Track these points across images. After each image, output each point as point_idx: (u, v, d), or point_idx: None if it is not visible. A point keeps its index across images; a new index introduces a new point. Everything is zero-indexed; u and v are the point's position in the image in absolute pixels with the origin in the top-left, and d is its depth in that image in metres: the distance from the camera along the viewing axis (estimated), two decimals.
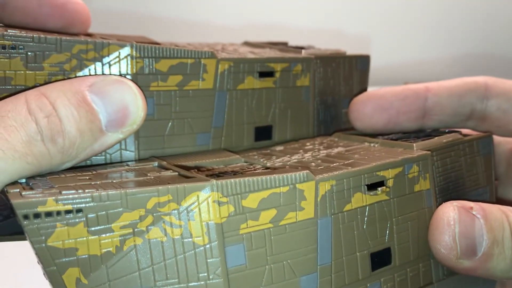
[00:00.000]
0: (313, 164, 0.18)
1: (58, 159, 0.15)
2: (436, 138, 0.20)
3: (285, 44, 0.28)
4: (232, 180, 0.14)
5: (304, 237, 0.16)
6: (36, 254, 0.13)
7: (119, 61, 0.17)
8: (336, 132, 0.24)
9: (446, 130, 0.23)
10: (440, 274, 0.19)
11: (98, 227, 0.13)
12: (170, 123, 0.19)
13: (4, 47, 0.14)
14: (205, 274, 0.14)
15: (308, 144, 0.22)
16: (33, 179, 0.15)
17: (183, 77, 0.18)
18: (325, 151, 0.20)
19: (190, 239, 0.14)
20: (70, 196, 0.13)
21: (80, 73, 0.17)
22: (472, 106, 0.22)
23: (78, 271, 0.13)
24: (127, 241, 0.13)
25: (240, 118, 0.20)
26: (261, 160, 0.19)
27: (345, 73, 0.25)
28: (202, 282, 0.14)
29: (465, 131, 0.23)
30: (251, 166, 0.18)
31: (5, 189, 0.14)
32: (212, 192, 0.14)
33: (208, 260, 0.14)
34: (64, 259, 0.13)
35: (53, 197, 0.13)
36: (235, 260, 0.14)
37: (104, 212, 0.13)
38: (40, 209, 0.12)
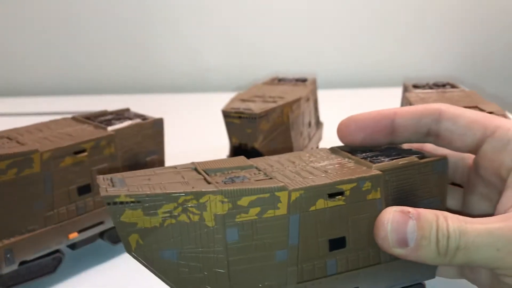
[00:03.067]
0: (295, 175, 0.24)
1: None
2: (395, 160, 0.26)
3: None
4: (233, 188, 0.22)
5: (278, 226, 0.22)
6: (115, 225, 0.21)
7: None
8: (334, 146, 0.29)
9: (412, 150, 0.28)
10: (387, 257, 0.25)
11: (149, 211, 0.21)
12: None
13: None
14: (212, 243, 0.22)
15: (306, 155, 0.28)
16: (114, 178, 0.22)
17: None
18: (312, 165, 0.26)
19: (204, 222, 0.21)
20: (134, 193, 0.20)
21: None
22: (428, 126, 0.27)
23: (138, 236, 0.21)
24: (166, 220, 0.21)
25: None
26: (264, 168, 0.25)
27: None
28: (210, 249, 0.22)
29: (428, 146, 0.29)
30: (259, 172, 0.24)
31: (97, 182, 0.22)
32: (218, 195, 0.21)
33: (215, 236, 0.22)
34: (129, 229, 0.21)
35: (125, 193, 0.20)
36: (232, 237, 0.22)
37: (153, 203, 0.21)
38: (117, 199, 0.20)
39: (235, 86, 0.99)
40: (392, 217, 0.23)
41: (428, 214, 0.23)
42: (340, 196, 0.23)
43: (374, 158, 0.26)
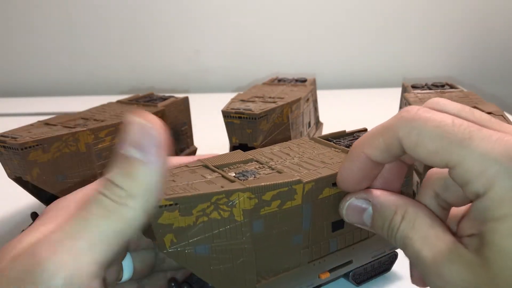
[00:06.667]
0: (300, 168, 0.26)
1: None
2: None
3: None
4: (258, 185, 0.23)
5: (295, 215, 0.25)
6: (152, 227, 0.21)
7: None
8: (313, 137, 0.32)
9: None
10: (373, 233, 0.29)
11: (185, 212, 0.22)
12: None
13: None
14: (241, 235, 0.23)
15: (294, 146, 0.30)
16: None
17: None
18: (307, 156, 0.28)
19: (233, 217, 0.23)
20: (172, 197, 0.21)
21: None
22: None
23: (172, 235, 0.22)
24: (199, 218, 0.22)
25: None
26: (266, 161, 0.27)
27: None
28: (238, 241, 0.23)
29: None
30: (262, 166, 0.27)
31: None
32: (246, 192, 0.23)
33: (243, 229, 0.23)
34: (166, 229, 0.22)
35: (165, 197, 0.21)
36: (257, 228, 0.24)
37: (188, 204, 0.22)
38: (157, 203, 0.21)
39: (235, 87, 0.99)
40: (348, 204, 0.24)
41: (386, 209, 0.22)
42: None
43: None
